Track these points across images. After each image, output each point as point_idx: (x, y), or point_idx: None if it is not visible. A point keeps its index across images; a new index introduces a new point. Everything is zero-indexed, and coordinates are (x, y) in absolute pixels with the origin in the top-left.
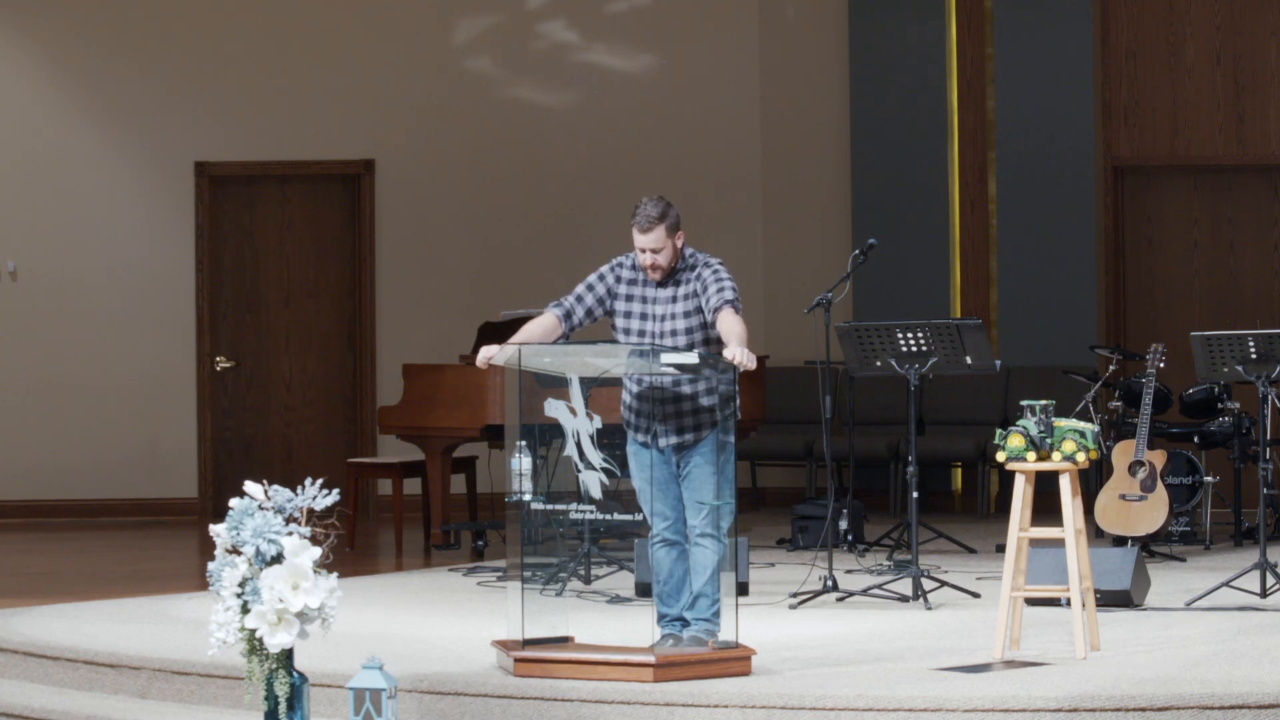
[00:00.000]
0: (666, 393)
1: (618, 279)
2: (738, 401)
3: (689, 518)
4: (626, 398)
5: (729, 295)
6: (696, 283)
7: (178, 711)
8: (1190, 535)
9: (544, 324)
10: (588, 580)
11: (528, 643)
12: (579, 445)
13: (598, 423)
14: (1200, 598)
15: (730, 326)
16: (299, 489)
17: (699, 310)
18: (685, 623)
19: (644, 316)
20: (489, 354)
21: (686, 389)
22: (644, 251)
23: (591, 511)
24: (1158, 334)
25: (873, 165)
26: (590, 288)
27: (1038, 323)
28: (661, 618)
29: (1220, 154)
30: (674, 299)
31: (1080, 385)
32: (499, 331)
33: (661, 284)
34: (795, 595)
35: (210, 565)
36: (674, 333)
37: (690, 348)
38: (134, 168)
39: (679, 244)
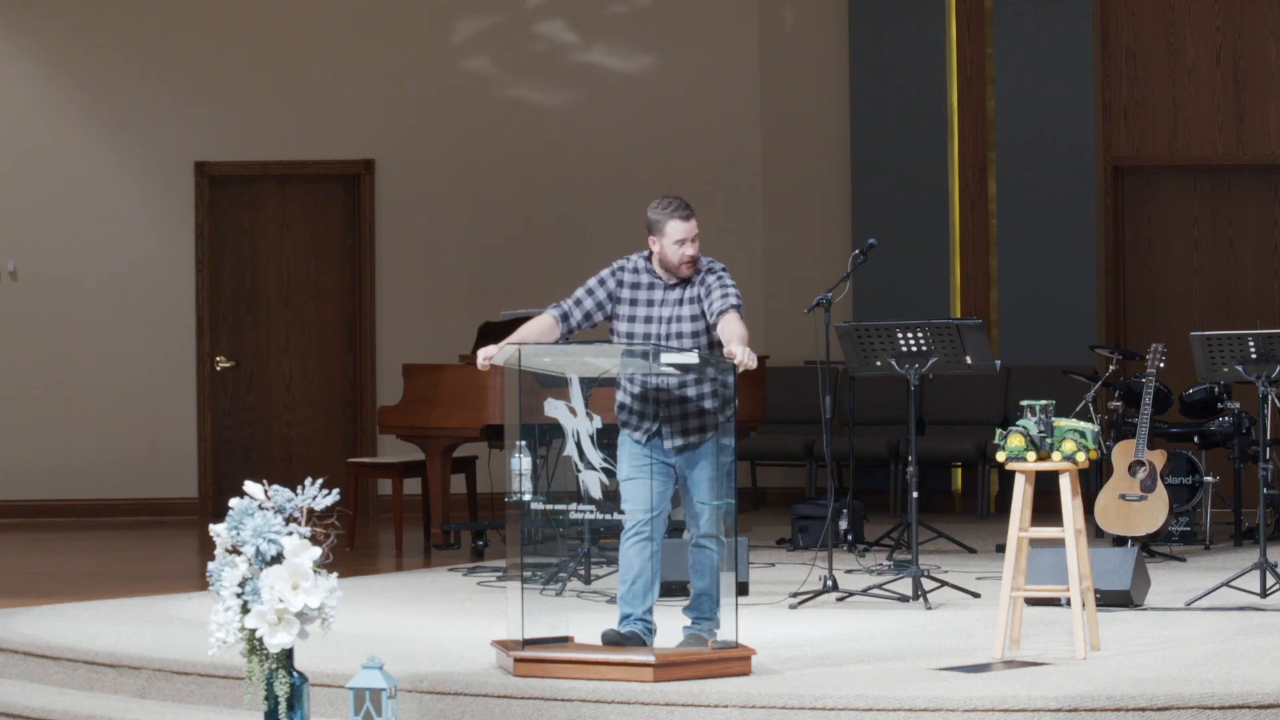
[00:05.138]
0: (671, 395)
1: (619, 283)
2: (736, 402)
3: (694, 519)
4: (624, 397)
5: (733, 300)
6: (700, 287)
7: (178, 711)
8: (1190, 535)
9: (541, 325)
10: (588, 580)
11: (528, 643)
12: (579, 445)
13: (598, 423)
14: (1200, 598)
15: (732, 328)
16: (299, 489)
17: (704, 314)
18: (646, 622)
19: (648, 319)
20: (488, 354)
21: (691, 391)
22: (682, 242)
23: (591, 511)
24: (1158, 334)
25: (873, 165)
26: (590, 291)
27: (1038, 323)
28: (625, 618)
29: (1220, 154)
30: (680, 302)
31: (1080, 385)
32: (499, 331)
33: (669, 286)
34: (795, 595)
35: (210, 565)
36: (679, 335)
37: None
38: (134, 168)
39: None
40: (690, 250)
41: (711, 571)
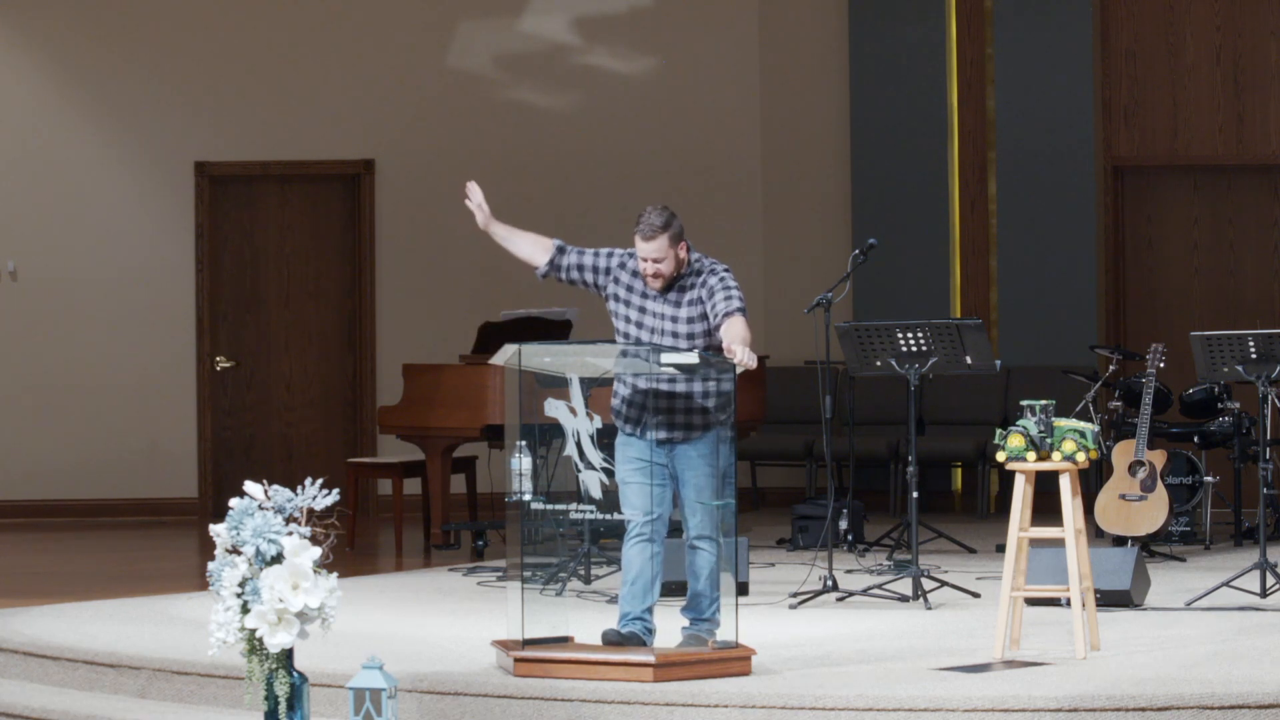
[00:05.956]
0: (659, 389)
1: (622, 265)
2: (734, 404)
3: (687, 519)
4: (621, 389)
5: (736, 304)
6: (702, 289)
7: (178, 711)
8: (1190, 535)
9: (540, 240)
10: (588, 580)
11: (528, 643)
12: (579, 445)
13: (598, 423)
14: (1200, 598)
15: (735, 330)
16: (299, 489)
17: (703, 317)
18: (646, 622)
19: (641, 321)
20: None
21: (681, 387)
22: (645, 261)
23: (591, 511)
24: (1158, 334)
25: (873, 165)
26: (595, 254)
27: (1038, 323)
28: (624, 616)
29: (1220, 154)
30: (678, 304)
31: (1080, 385)
32: (499, 332)
33: (665, 289)
34: (795, 595)
35: (210, 565)
36: (675, 336)
37: None
38: (134, 168)
39: (682, 254)
40: (652, 269)
41: (707, 572)
